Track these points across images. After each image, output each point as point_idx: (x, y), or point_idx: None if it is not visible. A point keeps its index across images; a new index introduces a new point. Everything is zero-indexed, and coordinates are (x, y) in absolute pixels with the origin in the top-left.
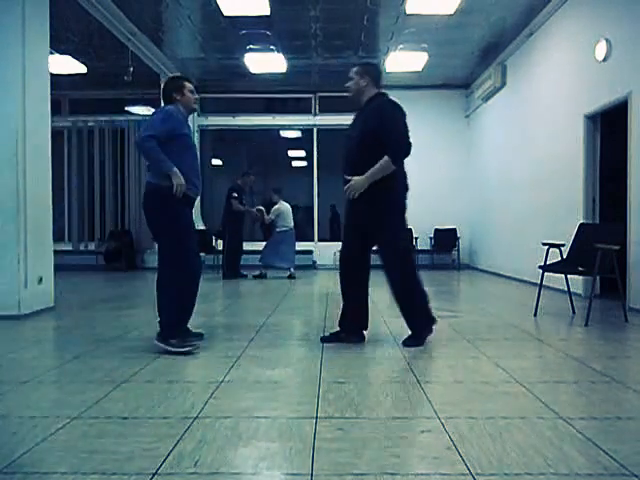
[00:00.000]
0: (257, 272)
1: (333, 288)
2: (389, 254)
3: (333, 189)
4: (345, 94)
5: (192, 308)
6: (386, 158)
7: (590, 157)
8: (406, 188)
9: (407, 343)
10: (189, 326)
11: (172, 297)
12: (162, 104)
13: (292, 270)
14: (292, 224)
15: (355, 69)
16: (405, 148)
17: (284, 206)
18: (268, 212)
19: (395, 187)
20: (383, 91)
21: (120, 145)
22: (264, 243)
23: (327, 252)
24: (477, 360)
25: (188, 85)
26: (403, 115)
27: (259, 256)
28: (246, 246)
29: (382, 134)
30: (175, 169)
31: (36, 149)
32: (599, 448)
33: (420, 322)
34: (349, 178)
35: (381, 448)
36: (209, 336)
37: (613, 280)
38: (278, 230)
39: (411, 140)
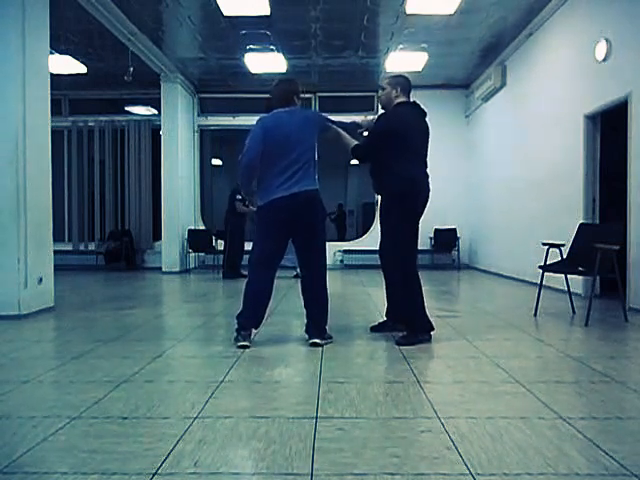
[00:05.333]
0: (295, 273)
1: (332, 288)
2: (387, 249)
3: (333, 189)
4: (345, 94)
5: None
6: (352, 144)
7: (590, 157)
8: (407, 193)
9: (400, 342)
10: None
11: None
12: (285, 102)
13: (298, 270)
14: None
15: (387, 80)
16: (355, 152)
17: None
18: None
19: (395, 191)
20: (406, 100)
21: (120, 145)
22: None
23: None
24: (477, 360)
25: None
26: (385, 125)
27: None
28: (247, 246)
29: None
30: None
31: (36, 149)
32: (599, 448)
33: (412, 323)
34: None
35: (381, 448)
36: (209, 336)
37: (613, 280)
38: None
39: (369, 150)
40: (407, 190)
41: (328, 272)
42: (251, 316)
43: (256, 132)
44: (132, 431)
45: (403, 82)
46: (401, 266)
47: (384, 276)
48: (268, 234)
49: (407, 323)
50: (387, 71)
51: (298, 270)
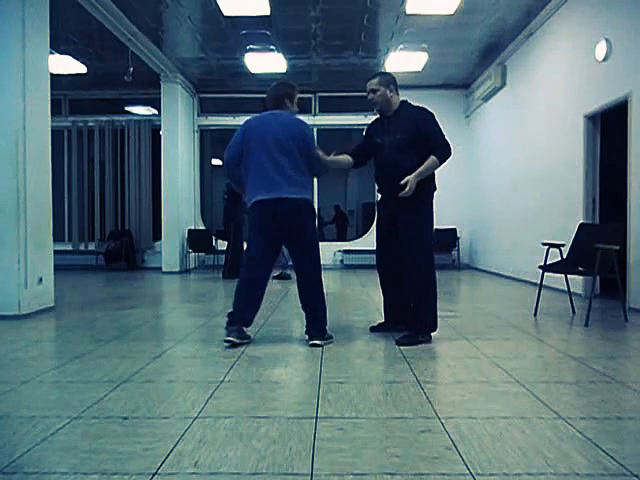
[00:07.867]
0: (277, 272)
1: (332, 288)
2: (414, 250)
3: (333, 189)
4: (345, 94)
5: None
6: (433, 158)
7: (590, 157)
8: (434, 188)
9: (401, 342)
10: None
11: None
12: (276, 104)
13: (286, 269)
14: None
15: (377, 80)
16: (449, 150)
17: None
18: None
19: (429, 187)
20: (403, 99)
21: (120, 145)
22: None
23: (327, 252)
24: (477, 360)
25: (297, 96)
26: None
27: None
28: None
29: (428, 137)
30: None
31: (36, 149)
32: (599, 448)
33: (423, 323)
34: (402, 182)
35: (381, 448)
36: (209, 336)
37: (613, 280)
38: None
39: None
40: (435, 185)
41: (328, 272)
42: (241, 314)
43: (238, 132)
44: (132, 431)
45: (394, 80)
46: (430, 264)
47: (380, 276)
48: (258, 234)
49: (415, 320)
50: (386, 71)
51: (283, 270)
